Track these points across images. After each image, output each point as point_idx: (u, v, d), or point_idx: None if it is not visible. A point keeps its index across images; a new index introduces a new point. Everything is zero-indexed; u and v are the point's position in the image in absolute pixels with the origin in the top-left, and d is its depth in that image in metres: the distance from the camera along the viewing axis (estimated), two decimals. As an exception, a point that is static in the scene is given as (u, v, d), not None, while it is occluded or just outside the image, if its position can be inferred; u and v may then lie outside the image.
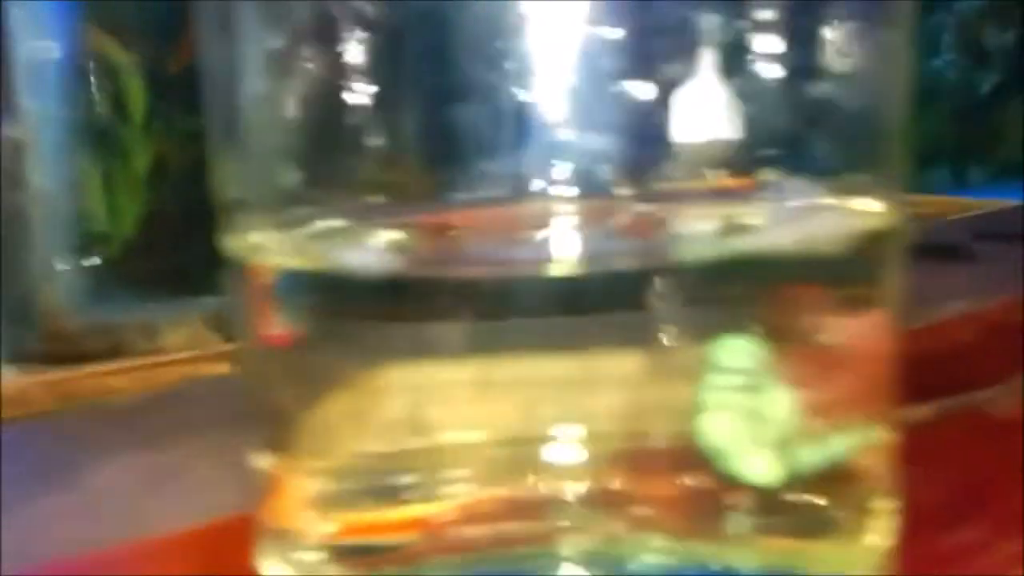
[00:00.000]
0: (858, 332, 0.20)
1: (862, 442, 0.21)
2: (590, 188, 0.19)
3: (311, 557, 0.21)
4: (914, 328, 0.49)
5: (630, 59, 0.18)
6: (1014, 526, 0.27)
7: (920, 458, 0.33)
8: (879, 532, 0.22)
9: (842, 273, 0.20)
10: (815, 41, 0.19)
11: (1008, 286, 0.56)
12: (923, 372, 0.42)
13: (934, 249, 0.72)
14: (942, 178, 1.16)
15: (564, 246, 0.19)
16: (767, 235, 0.20)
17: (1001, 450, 0.33)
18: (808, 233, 0.20)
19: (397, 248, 0.20)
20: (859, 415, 0.21)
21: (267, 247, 0.21)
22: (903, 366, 0.43)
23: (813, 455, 0.20)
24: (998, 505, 0.28)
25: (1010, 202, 0.88)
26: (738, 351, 0.19)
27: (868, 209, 0.21)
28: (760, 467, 0.19)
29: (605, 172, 0.19)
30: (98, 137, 0.50)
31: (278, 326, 0.21)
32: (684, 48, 0.18)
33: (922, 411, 0.36)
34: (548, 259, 0.19)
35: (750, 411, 0.19)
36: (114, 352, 0.46)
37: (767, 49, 0.19)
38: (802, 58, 0.19)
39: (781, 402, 0.19)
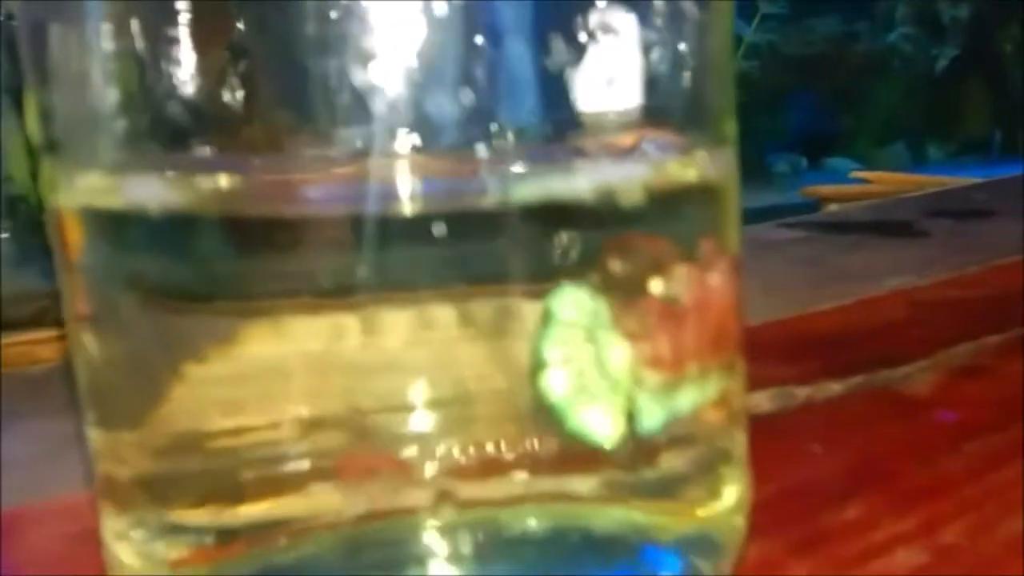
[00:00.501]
0: (697, 284, 0.20)
1: (707, 399, 0.21)
2: (432, 143, 0.18)
3: (150, 536, 0.20)
4: (843, 305, 0.50)
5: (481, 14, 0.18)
6: (906, 504, 0.27)
7: (821, 435, 0.33)
8: (730, 494, 0.22)
9: (676, 224, 0.20)
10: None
11: (957, 262, 0.56)
12: (843, 348, 0.42)
13: (886, 226, 0.73)
14: (900, 155, 1.17)
15: (393, 187, 0.18)
16: (576, 178, 0.19)
17: (905, 428, 0.33)
18: (625, 179, 0.19)
19: (218, 190, 0.19)
20: (702, 370, 0.20)
21: (83, 192, 0.20)
22: (824, 343, 0.43)
23: (655, 411, 0.20)
24: (892, 483, 0.28)
25: (968, 180, 0.88)
26: (577, 303, 0.19)
27: (697, 163, 0.21)
28: (601, 424, 0.19)
29: (450, 129, 0.18)
30: (19, 100, 0.49)
31: (91, 289, 0.20)
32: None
33: (832, 388, 0.36)
34: (377, 199, 0.18)
35: (591, 365, 0.19)
36: (37, 320, 0.45)
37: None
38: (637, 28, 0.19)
39: (622, 356, 0.19)
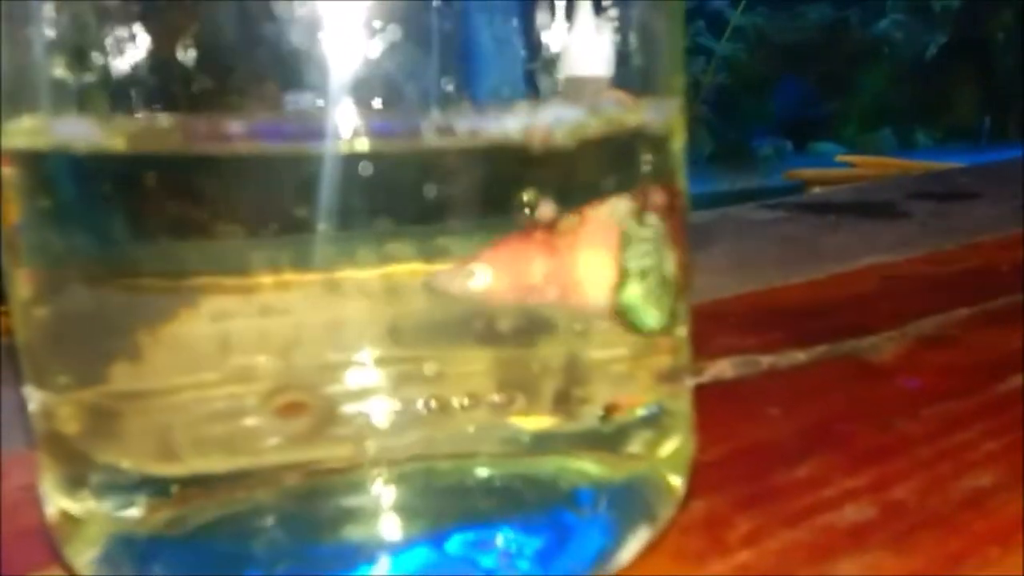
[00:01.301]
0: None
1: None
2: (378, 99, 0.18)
3: (93, 491, 0.20)
4: (813, 279, 0.49)
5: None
6: (859, 463, 0.26)
7: (780, 399, 0.33)
8: (669, 446, 0.22)
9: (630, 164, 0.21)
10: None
11: (935, 242, 0.56)
12: (811, 319, 0.42)
13: (867, 207, 0.72)
14: (888, 141, 1.17)
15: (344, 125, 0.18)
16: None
17: (865, 393, 0.32)
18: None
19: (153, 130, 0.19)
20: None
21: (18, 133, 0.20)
22: (793, 315, 0.43)
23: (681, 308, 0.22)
24: (847, 444, 0.28)
25: (951, 164, 0.88)
26: (647, 222, 0.20)
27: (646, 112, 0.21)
28: (659, 318, 0.21)
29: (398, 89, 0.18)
30: None
31: (28, 254, 0.20)
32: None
33: (796, 356, 0.36)
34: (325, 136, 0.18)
35: (657, 273, 0.21)
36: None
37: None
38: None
39: (673, 265, 0.21)
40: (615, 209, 0.20)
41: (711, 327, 0.40)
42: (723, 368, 0.35)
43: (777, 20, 1.17)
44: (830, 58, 1.16)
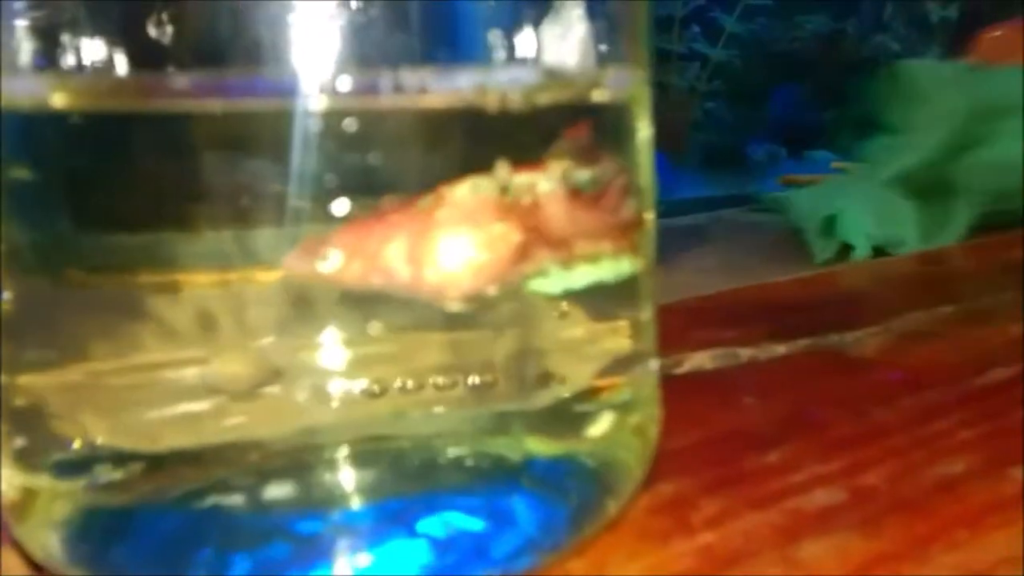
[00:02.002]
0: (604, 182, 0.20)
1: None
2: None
3: (51, 470, 0.20)
4: (799, 276, 0.49)
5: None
6: (831, 450, 0.26)
7: (757, 390, 0.32)
8: (628, 424, 0.22)
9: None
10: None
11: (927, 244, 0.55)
12: (794, 315, 0.41)
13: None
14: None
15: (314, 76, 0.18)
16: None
17: (843, 384, 0.32)
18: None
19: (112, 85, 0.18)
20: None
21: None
22: (776, 310, 0.42)
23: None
24: (820, 431, 0.27)
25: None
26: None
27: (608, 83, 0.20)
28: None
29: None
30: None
31: None
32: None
33: (776, 349, 0.35)
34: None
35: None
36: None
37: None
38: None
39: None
40: (476, 187, 0.19)
41: (691, 321, 0.40)
42: (702, 360, 0.35)
43: (774, 30, 1.16)
44: (826, 68, 1.16)
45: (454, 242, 0.19)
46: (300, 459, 0.19)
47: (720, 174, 0.84)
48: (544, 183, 0.19)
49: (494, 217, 0.19)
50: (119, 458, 0.19)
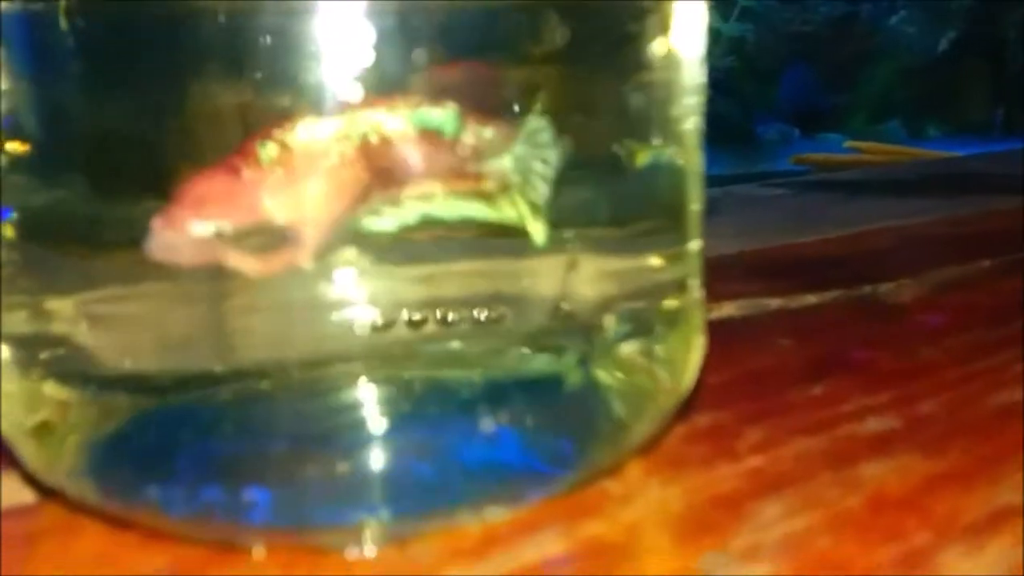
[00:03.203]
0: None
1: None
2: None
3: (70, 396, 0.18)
4: (826, 237, 0.47)
5: None
6: (880, 385, 0.24)
7: (792, 333, 0.30)
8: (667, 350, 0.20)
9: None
10: None
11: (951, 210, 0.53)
12: (824, 269, 0.40)
13: (876, 184, 0.70)
14: (897, 133, 1.14)
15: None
16: None
17: (883, 328, 0.30)
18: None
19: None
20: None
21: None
22: (804, 266, 0.41)
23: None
24: (866, 368, 0.26)
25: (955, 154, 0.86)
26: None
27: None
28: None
29: None
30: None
31: None
32: None
33: (807, 299, 0.33)
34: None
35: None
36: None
37: None
38: None
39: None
40: (316, 130, 0.17)
41: (713, 277, 0.38)
42: (728, 310, 0.33)
43: (786, 12, 1.15)
44: (839, 51, 1.14)
45: (309, 194, 0.17)
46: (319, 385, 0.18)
47: (728, 153, 0.82)
48: (392, 122, 0.17)
49: (341, 162, 0.17)
50: (141, 379, 0.18)
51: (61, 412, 0.18)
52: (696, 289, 0.21)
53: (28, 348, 0.18)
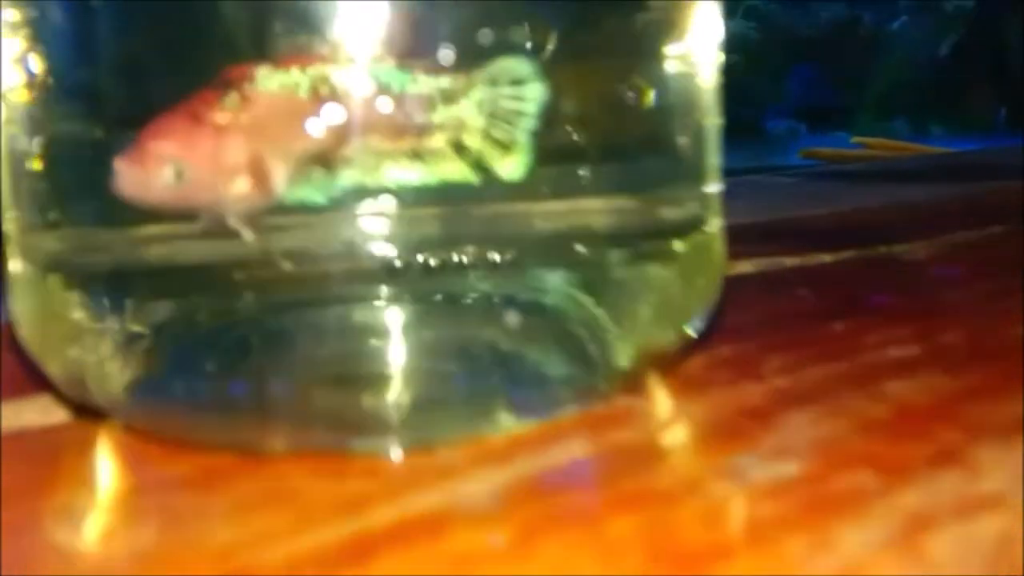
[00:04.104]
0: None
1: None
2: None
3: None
4: (839, 209, 0.47)
5: None
6: (900, 321, 0.24)
7: (810, 284, 0.30)
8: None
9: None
10: None
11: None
12: (837, 234, 0.40)
13: (885, 173, 0.70)
14: (901, 131, 1.15)
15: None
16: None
17: (900, 279, 0.30)
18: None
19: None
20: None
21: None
22: (818, 232, 0.41)
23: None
24: (884, 310, 0.26)
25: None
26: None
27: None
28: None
29: None
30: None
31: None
32: None
33: (822, 258, 0.33)
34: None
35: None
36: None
37: None
38: None
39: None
40: (283, 80, 0.17)
41: (727, 242, 0.38)
42: (744, 268, 0.33)
43: (788, 16, 1.15)
44: (843, 52, 1.14)
45: (275, 144, 0.17)
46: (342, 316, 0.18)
47: (736, 147, 0.82)
48: (353, 80, 0.17)
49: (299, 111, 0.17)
50: (172, 296, 0.18)
51: (89, 330, 0.18)
52: (714, 225, 0.21)
53: (56, 265, 0.18)
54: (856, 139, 0.91)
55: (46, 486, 0.16)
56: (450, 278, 0.18)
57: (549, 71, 0.18)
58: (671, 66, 0.20)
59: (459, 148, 0.17)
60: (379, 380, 0.17)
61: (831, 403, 0.18)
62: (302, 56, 0.16)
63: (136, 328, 0.17)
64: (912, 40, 1.16)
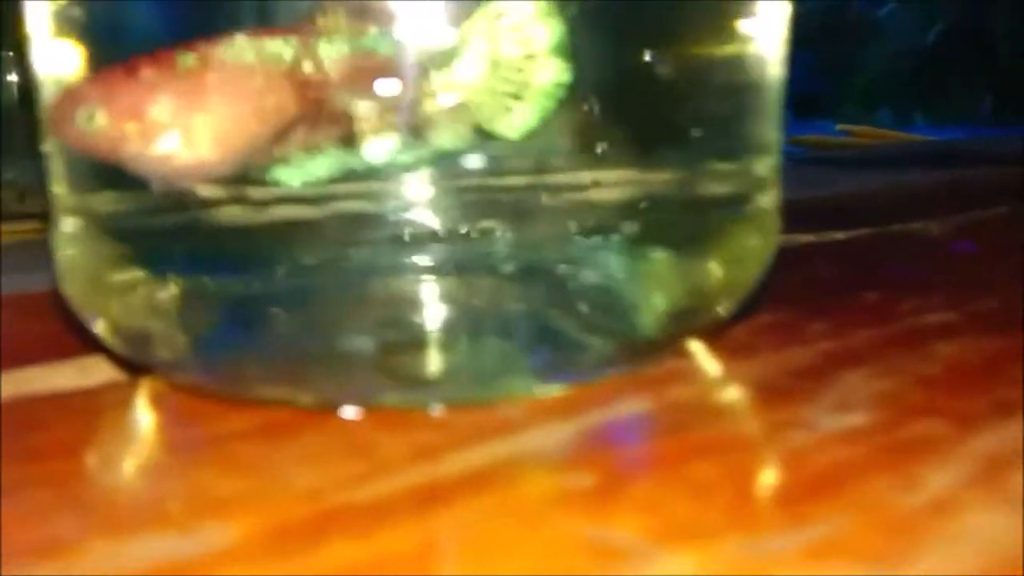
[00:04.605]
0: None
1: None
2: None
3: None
4: (835, 192, 0.47)
5: None
6: (932, 290, 0.24)
7: (829, 258, 0.31)
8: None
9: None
10: None
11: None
12: (849, 212, 0.40)
13: (873, 160, 0.71)
14: (886, 121, 1.16)
15: None
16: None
17: (922, 254, 0.30)
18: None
19: None
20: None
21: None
22: (820, 212, 0.41)
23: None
24: (914, 280, 0.26)
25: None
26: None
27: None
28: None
29: None
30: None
31: None
32: None
33: (836, 236, 0.34)
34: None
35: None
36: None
37: None
38: None
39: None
40: (243, 47, 0.16)
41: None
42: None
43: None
44: (830, 39, 1.15)
45: (220, 113, 0.16)
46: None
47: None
48: (325, 48, 0.16)
49: (268, 87, 0.16)
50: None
51: (148, 287, 0.18)
52: (770, 197, 0.21)
53: (112, 224, 0.18)
54: (842, 127, 0.92)
55: (117, 439, 0.16)
56: (495, 247, 0.18)
57: (607, 38, 0.18)
58: (739, 41, 0.20)
59: (460, 111, 0.17)
60: (435, 342, 0.17)
61: (883, 363, 0.18)
62: (287, 28, 0.16)
63: (196, 286, 0.17)
64: (899, 28, 1.17)
